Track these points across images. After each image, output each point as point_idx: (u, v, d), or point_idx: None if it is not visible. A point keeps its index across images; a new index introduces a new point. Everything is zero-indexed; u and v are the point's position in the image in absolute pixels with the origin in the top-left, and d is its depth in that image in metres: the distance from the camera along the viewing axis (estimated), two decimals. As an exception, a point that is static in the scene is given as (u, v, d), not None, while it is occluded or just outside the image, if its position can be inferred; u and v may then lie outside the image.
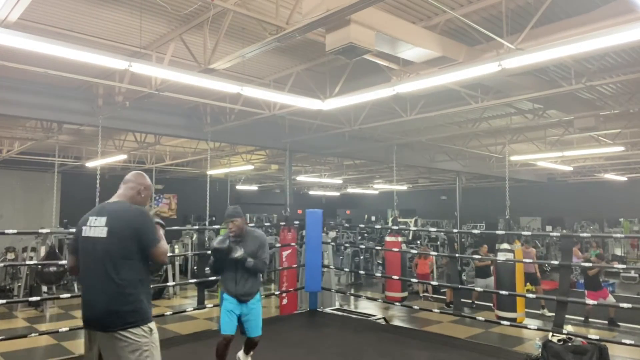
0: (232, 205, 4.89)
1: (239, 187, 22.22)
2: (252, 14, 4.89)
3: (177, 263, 11.58)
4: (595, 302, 7.26)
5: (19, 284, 10.02)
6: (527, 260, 8.04)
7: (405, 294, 8.25)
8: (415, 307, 7.30)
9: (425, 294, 11.30)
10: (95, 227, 2.84)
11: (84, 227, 2.89)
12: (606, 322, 8.56)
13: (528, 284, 9.29)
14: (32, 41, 4.48)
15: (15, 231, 5.58)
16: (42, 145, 11.76)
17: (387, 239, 8.36)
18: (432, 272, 11.94)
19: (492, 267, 8.95)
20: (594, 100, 8.88)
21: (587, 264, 8.08)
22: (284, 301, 7.51)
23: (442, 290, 11.12)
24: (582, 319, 8.71)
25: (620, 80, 7.04)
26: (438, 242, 15.66)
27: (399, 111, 8.98)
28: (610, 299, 8.53)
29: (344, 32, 4.53)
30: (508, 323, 6.22)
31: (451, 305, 9.77)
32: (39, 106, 8.10)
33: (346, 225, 17.00)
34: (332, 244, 13.81)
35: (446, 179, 20.98)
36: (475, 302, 9.97)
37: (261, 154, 14.77)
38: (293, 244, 7.75)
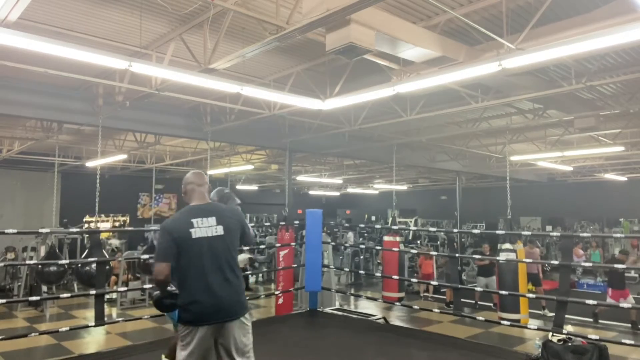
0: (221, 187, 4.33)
1: (239, 187, 22.22)
2: (252, 14, 4.89)
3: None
4: (594, 303, 7.19)
5: (19, 283, 10.01)
6: (529, 260, 8.03)
7: (402, 294, 8.25)
8: (415, 307, 7.30)
9: (426, 294, 11.30)
10: (207, 227, 3.00)
11: (191, 230, 2.96)
12: (629, 325, 8.34)
13: (530, 284, 9.28)
14: (32, 41, 4.48)
15: (15, 231, 5.57)
16: (42, 145, 11.76)
17: (385, 238, 8.36)
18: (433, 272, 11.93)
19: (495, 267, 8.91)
20: (594, 100, 8.88)
21: (619, 265, 7.77)
22: (280, 301, 7.51)
23: (442, 290, 11.12)
24: (591, 319, 8.57)
25: (621, 80, 7.04)
26: (438, 242, 15.67)
27: (399, 111, 8.98)
28: (631, 300, 8.30)
29: (344, 32, 4.53)
30: (508, 323, 6.21)
31: (451, 305, 9.78)
32: (39, 106, 8.10)
33: (346, 225, 17.02)
34: (348, 245, 13.86)
35: (446, 179, 20.98)
36: (479, 302, 9.95)
37: (261, 154, 14.77)
38: (291, 244, 7.75)
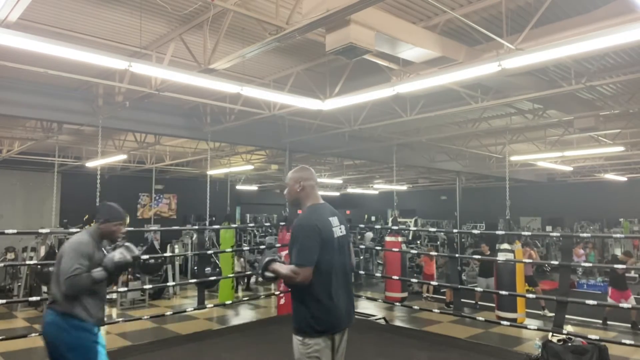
0: (108, 202, 3.66)
1: (239, 187, 22.22)
2: (252, 14, 4.89)
3: (177, 263, 11.57)
4: (594, 303, 7.18)
5: (19, 283, 10.01)
6: (529, 261, 8.03)
7: (405, 294, 8.24)
8: (415, 307, 7.30)
9: (428, 295, 11.30)
10: (337, 226, 2.87)
11: (333, 229, 2.82)
12: (629, 325, 8.32)
13: (526, 285, 9.26)
14: (32, 41, 4.48)
15: (15, 231, 5.58)
16: (42, 145, 11.76)
17: (387, 239, 8.35)
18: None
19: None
20: (594, 101, 8.88)
21: (619, 266, 7.57)
22: (282, 301, 7.51)
23: (442, 290, 11.12)
24: (591, 320, 8.52)
25: (620, 80, 7.04)
26: (438, 242, 15.66)
27: (399, 111, 8.98)
28: (632, 301, 8.26)
29: (344, 32, 4.53)
30: (508, 323, 6.22)
31: (451, 305, 9.77)
32: (39, 106, 8.10)
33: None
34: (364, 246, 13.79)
35: (446, 179, 20.98)
36: (479, 302, 9.93)
37: (261, 154, 14.77)
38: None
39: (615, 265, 7.48)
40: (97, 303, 3.32)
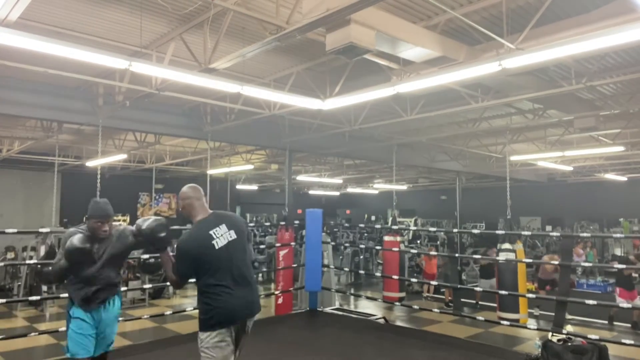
0: (96, 198, 3.91)
1: (239, 186, 22.22)
2: (252, 14, 4.89)
3: (177, 263, 11.56)
4: (594, 303, 7.14)
5: (19, 283, 10.01)
6: (529, 260, 8.02)
7: (402, 294, 8.24)
8: (415, 306, 7.30)
9: (428, 294, 11.30)
10: (222, 235, 3.11)
11: (213, 242, 3.05)
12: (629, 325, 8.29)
13: (529, 284, 9.24)
14: (32, 41, 4.48)
15: (15, 230, 5.57)
16: (42, 145, 11.76)
17: (386, 238, 8.36)
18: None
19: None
20: (594, 100, 8.88)
21: (621, 266, 7.67)
22: (279, 300, 7.52)
23: (441, 290, 11.13)
24: (591, 319, 8.50)
25: (620, 80, 7.04)
26: (438, 242, 15.66)
27: (399, 111, 8.98)
28: (637, 302, 8.14)
29: (344, 31, 4.53)
30: (508, 323, 6.22)
31: (450, 305, 9.77)
32: (39, 106, 8.10)
33: (346, 225, 17.00)
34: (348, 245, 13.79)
35: (446, 179, 20.98)
36: (480, 302, 9.93)
37: (261, 153, 14.77)
38: (291, 243, 7.76)
39: (617, 266, 7.49)
40: (84, 286, 3.55)
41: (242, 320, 3.16)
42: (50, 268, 3.69)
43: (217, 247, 3.06)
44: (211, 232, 3.08)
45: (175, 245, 3.13)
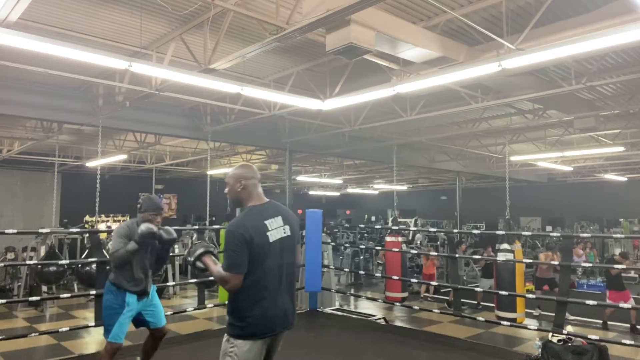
0: (150, 195, 4.70)
1: (239, 187, 22.21)
2: (252, 14, 4.89)
3: (177, 263, 11.57)
4: (594, 303, 7.10)
5: (19, 283, 10.00)
6: (528, 260, 8.01)
7: (405, 294, 8.23)
8: (415, 307, 7.30)
9: (426, 294, 11.30)
10: (276, 228, 2.69)
11: (267, 234, 2.64)
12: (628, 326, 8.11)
13: (527, 284, 9.22)
14: (32, 41, 4.48)
15: (15, 231, 5.57)
16: (42, 145, 11.76)
17: (387, 239, 8.35)
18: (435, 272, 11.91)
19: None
20: (594, 101, 8.88)
21: (618, 266, 7.43)
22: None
23: (442, 290, 11.12)
24: (591, 319, 8.41)
25: (620, 80, 7.04)
26: (438, 242, 15.65)
27: (399, 111, 8.98)
28: (632, 303, 7.91)
29: (344, 32, 4.53)
30: (508, 323, 6.22)
31: (479, 306, 9.71)
32: (39, 106, 8.10)
33: (346, 225, 17.00)
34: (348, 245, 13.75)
35: (446, 179, 20.99)
36: (481, 303, 9.90)
37: (261, 154, 14.78)
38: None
39: (615, 266, 7.46)
40: (139, 274, 4.10)
41: (279, 333, 2.72)
42: (115, 253, 3.98)
43: (270, 241, 2.63)
44: (266, 222, 2.66)
45: (228, 230, 2.65)
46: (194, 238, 12.86)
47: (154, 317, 4.32)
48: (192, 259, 2.79)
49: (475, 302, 9.89)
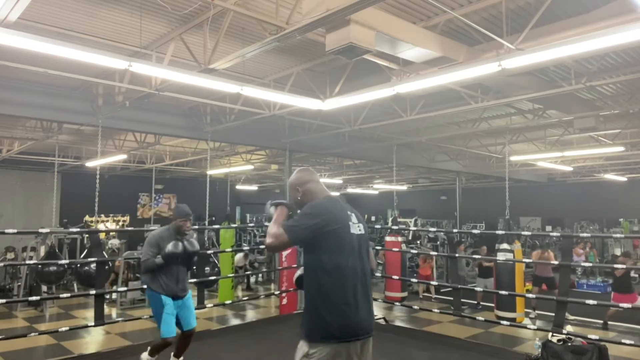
0: (179, 203, 5.23)
1: (239, 187, 22.22)
2: (252, 14, 4.89)
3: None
4: (594, 303, 6.94)
5: (19, 283, 10.01)
6: (528, 260, 8.01)
7: (405, 294, 8.24)
8: (415, 307, 7.30)
9: (425, 294, 11.30)
10: (354, 223, 2.55)
11: (349, 223, 2.51)
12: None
13: (527, 284, 9.22)
14: (32, 41, 4.48)
15: (15, 231, 5.57)
16: (42, 145, 11.76)
17: (387, 239, 8.35)
18: (432, 273, 11.91)
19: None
20: (594, 101, 8.88)
21: (619, 265, 7.14)
22: (284, 301, 7.52)
23: (441, 291, 11.13)
24: (591, 320, 8.29)
25: (620, 80, 7.04)
26: (438, 242, 15.65)
27: (399, 111, 8.98)
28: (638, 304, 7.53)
29: (344, 32, 4.53)
30: (508, 323, 6.22)
31: (479, 306, 9.71)
32: (39, 106, 8.10)
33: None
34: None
35: (446, 179, 20.99)
36: (481, 303, 9.90)
37: (261, 154, 14.77)
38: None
39: (615, 266, 7.44)
40: (169, 280, 4.56)
41: (361, 339, 2.47)
42: (144, 262, 4.49)
43: (351, 231, 2.48)
44: (347, 212, 2.54)
45: (308, 205, 2.57)
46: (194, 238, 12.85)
47: (184, 318, 4.75)
48: (271, 202, 2.72)
49: (475, 302, 9.91)
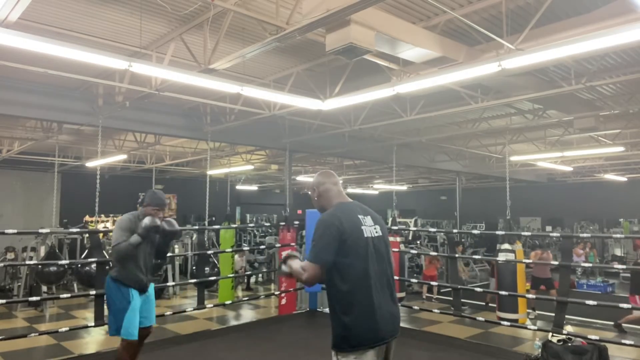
0: (154, 189, 4.59)
1: (239, 187, 22.23)
2: (252, 14, 4.89)
3: (177, 263, 11.57)
4: (594, 303, 6.71)
5: (19, 283, 10.00)
6: (528, 261, 8.01)
7: (402, 294, 8.23)
8: (415, 307, 7.30)
9: (428, 295, 11.29)
10: (369, 226, 2.58)
11: (362, 228, 2.54)
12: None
13: (533, 287, 9.19)
14: (32, 41, 4.48)
15: (15, 231, 5.57)
16: (42, 145, 11.76)
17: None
18: (437, 274, 11.87)
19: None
20: (593, 101, 8.88)
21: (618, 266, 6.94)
22: (283, 301, 7.52)
23: (442, 291, 11.12)
24: (590, 319, 8.16)
25: (620, 80, 7.04)
26: (437, 242, 15.67)
27: (399, 111, 8.98)
28: None
29: (344, 32, 4.53)
30: (508, 323, 6.22)
31: (490, 305, 9.65)
32: (39, 106, 8.10)
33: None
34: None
35: (446, 179, 20.99)
36: (490, 303, 9.84)
37: (261, 154, 14.77)
38: (292, 243, 7.76)
39: (615, 266, 7.43)
40: (138, 270, 4.07)
41: (387, 341, 2.49)
42: (117, 246, 3.92)
43: (365, 235, 2.50)
44: (359, 216, 2.58)
45: (319, 220, 2.57)
46: (193, 238, 12.87)
47: (146, 314, 4.25)
48: (280, 263, 2.71)
49: (484, 303, 9.78)
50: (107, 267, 5.50)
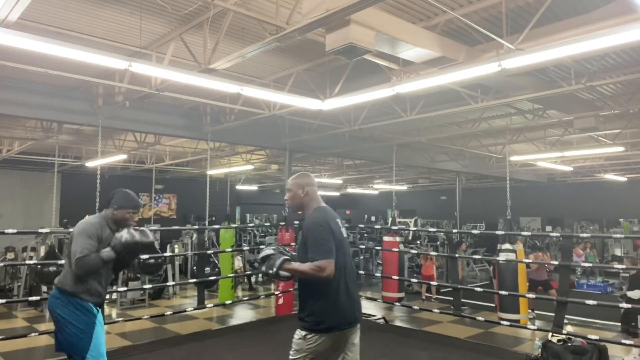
0: (125, 189, 3.92)
1: (239, 187, 22.22)
2: (252, 14, 4.89)
3: (177, 263, 11.58)
4: (594, 303, 6.64)
5: (19, 283, 10.01)
6: (529, 260, 8.00)
7: (401, 294, 8.23)
8: (415, 307, 7.30)
9: (428, 295, 11.29)
10: (342, 227, 2.98)
11: (341, 229, 2.94)
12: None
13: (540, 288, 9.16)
14: (32, 41, 4.48)
15: (15, 231, 5.57)
16: (42, 145, 11.76)
17: (385, 239, 8.35)
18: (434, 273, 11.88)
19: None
20: (593, 101, 8.88)
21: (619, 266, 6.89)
22: (280, 301, 7.52)
23: (441, 291, 11.12)
24: (591, 320, 8.18)
25: (620, 80, 7.04)
26: (438, 243, 15.65)
27: (399, 111, 8.98)
28: None
29: (344, 32, 4.53)
30: (508, 323, 6.22)
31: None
32: (39, 106, 8.10)
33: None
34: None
35: (446, 179, 20.98)
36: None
37: (261, 154, 14.77)
38: (292, 244, 7.75)
39: (616, 266, 7.43)
40: (99, 285, 3.35)
41: (347, 327, 2.85)
42: (84, 259, 3.16)
43: (344, 235, 2.92)
44: (337, 220, 2.96)
45: (313, 223, 2.87)
46: (193, 238, 12.87)
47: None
48: (275, 269, 2.85)
49: (484, 303, 9.77)
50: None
